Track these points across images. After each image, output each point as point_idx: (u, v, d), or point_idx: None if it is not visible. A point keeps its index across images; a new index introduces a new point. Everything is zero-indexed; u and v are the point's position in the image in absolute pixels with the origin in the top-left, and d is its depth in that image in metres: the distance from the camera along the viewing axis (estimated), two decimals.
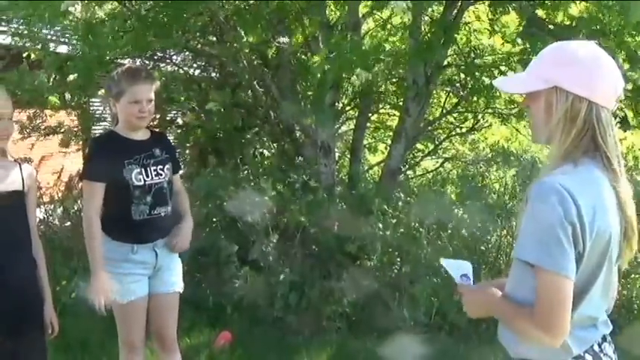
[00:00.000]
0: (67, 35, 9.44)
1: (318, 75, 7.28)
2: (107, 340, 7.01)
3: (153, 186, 4.54)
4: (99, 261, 4.45)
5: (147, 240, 4.62)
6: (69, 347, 6.63)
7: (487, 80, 8.74)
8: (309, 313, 7.36)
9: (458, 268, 2.92)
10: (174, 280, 4.78)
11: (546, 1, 8.07)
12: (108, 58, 7.78)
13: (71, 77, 8.93)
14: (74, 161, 11.05)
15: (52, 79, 9.13)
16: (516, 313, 2.53)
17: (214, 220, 7.93)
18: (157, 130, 5.13)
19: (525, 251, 2.43)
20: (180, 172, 5.03)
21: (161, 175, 4.60)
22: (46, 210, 9.99)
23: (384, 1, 8.23)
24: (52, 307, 4.32)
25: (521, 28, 8.19)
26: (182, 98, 9.93)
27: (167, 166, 4.64)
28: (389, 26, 9.89)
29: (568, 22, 8.13)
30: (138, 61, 9.77)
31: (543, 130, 2.56)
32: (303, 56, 8.68)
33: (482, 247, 8.34)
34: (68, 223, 10.02)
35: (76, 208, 9.94)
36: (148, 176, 4.53)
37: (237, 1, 8.86)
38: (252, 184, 7.75)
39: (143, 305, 4.73)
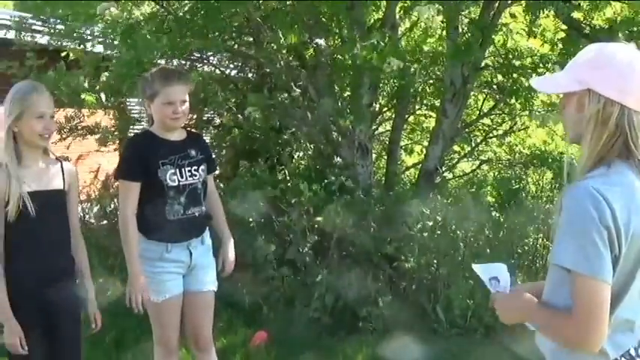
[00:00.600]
0: (104, 35, 9.47)
1: (348, 60, 7.23)
2: (142, 338, 7.05)
3: (187, 186, 4.59)
4: (135, 259, 4.52)
5: (181, 239, 4.66)
6: (104, 345, 6.70)
7: (525, 82, 8.68)
8: (345, 314, 7.35)
9: (488, 271, 2.89)
10: (208, 279, 4.80)
11: (581, 3, 8.01)
12: (146, 59, 7.78)
13: (104, 77, 8.98)
14: (111, 160, 11.12)
15: (89, 79, 9.16)
16: (553, 320, 2.51)
17: (250, 220, 7.93)
18: (194, 130, 5.10)
19: (562, 256, 2.41)
20: (215, 173, 5.07)
21: (195, 175, 4.64)
22: (82, 208, 10.05)
23: (417, 1, 8.20)
24: (94, 303, 4.37)
25: (559, 31, 8.15)
26: (219, 99, 9.94)
27: (202, 167, 4.69)
28: (425, 27, 9.87)
29: (605, 25, 8.07)
30: (175, 62, 9.81)
31: (575, 131, 2.55)
32: (339, 57, 8.64)
33: (519, 250, 8.28)
34: (104, 222, 10.09)
35: (112, 207, 10.02)
36: (182, 177, 4.58)
37: (273, 2, 8.88)
38: (289, 184, 7.74)
39: (177, 304, 4.76)
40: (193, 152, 4.67)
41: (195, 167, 4.64)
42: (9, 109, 3.86)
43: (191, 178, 4.60)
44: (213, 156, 5.31)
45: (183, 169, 4.58)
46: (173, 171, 4.55)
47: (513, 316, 2.76)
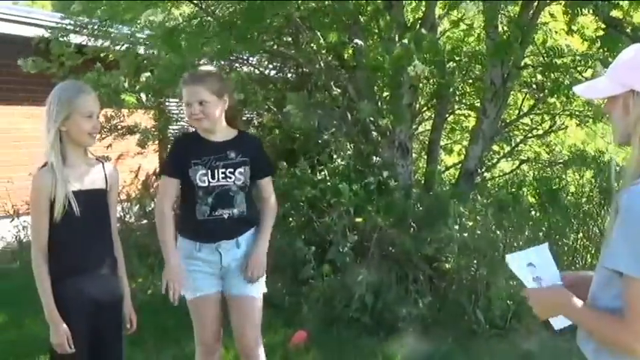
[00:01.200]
0: (144, 37, 9.54)
1: (373, 61, 7.20)
2: (182, 337, 7.10)
3: (216, 188, 4.59)
4: (171, 250, 4.59)
5: (208, 240, 4.68)
6: (145, 343, 6.75)
7: (566, 80, 8.62)
8: (385, 315, 7.35)
9: (524, 258, 2.86)
10: (246, 284, 4.72)
11: (620, 2, 7.94)
12: (189, 62, 7.83)
13: (144, 77, 9.03)
14: (151, 160, 11.18)
15: (128, 80, 9.23)
16: (601, 321, 2.48)
17: (291, 220, 7.95)
18: (249, 132, 5.02)
19: (616, 260, 2.39)
20: (268, 177, 4.91)
21: (229, 178, 4.61)
22: (122, 208, 10.12)
23: (459, 1, 8.20)
24: (130, 303, 4.41)
25: (599, 30, 8.09)
26: (259, 98, 9.96)
27: (239, 170, 4.63)
28: (465, 27, 9.85)
29: None
30: (213, 63, 9.86)
31: (623, 134, 2.53)
32: (378, 57, 8.63)
33: (559, 251, 8.23)
34: (144, 221, 10.15)
35: (152, 207, 10.06)
36: (213, 178, 4.58)
37: (312, 3, 8.89)
38: (329, 184, 7.74)
39: (211, 303, 4.77)
40: (233, 154, 4.63)
41: (231, 169, 4.61)
42: (57, 109, 3.88)
43: (224, 180, 4.59)
44: (267, 159, 5.08)
45: (216, 171, 4.57)
46: (204, 172, 4.57)
47: (547, 311, 2.75)
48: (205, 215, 4.60)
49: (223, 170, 4.59)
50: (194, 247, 4.66)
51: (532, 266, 2.81)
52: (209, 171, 4.57)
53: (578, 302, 2.56)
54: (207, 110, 4.55)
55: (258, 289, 4.78)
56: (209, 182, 4.56)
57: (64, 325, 3.86)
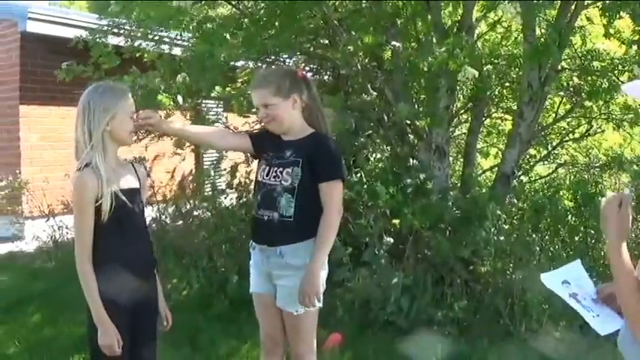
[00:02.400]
0: (181, 37, 9.58)
1: (423, 67, 7.18)
2: (217, 337, 7.13)
3: (265, 186, 4.47)
4: None
5: (255, 238, 4.62)
6: (178, 344, 6.76)
7: (604, 84, 8.57)
8: (420, 317, 7.34)
9: (559, 276, 2.86)
10: (287, 298, 4.45)
11: None
12: (222, 60, 7.84)
13: (180, 78, 9.06)
14: (187, 161, 11.23)
15: (165, 81, 9.26)
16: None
17: None
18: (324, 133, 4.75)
19: None
20: (328, 182, 4.43)
21: (278, 178, 4.41)
22: (158, 208, 10.17)
23: (497, 1, 8.16)
24: (164, 300, 4.43)
25: (636, 33, 8.04)
26: None
27: (288, 170, 4.40)
28: (502, 29, 9.83)
29: None
30: (250, 64, 9.89)
31: None
32: (415, 59, 8.62)
33: (595, 255, 8.19)
34: (180, 222, 10.18)
35: (188, 207, 10.10)
36: (267, 175, 4.48)
37: (349, 3, 8.90)
38: (365, 186, 7.73)
39: (261, 303, 4.68)
40: (288, 153, 4.45)
41: (281, 169, 4.41)
42: (102, 109, 3.91)
43: (273, 180, 4.42)
44: (331, 161, 4.54)
45: (272, 168, 4.46)
46: (264, 167, 4.52)
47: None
48: (254, 212, 4.56)
49: (276, 169, 4.44)
50: (251, 242, 4.66)
51: (567, 283, 2.82)
52: (267, 167, 4.49)
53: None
54: (272, 112, 4.46)
55: (295, 309, 4.44)
56: (263, 179, 4.49)
57: (114, 327, 3.86)
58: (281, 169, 4.43)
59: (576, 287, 2.81)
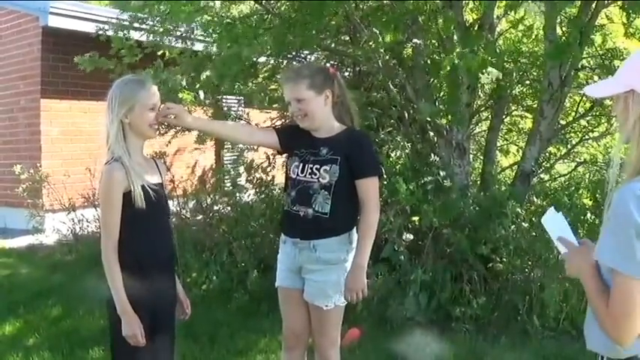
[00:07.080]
0: (203, 34, 9.61)
1: (448, 67, 7.16)
2: (236, 331, 7.16)
3: (300, 183, 4.47)
4: None
5: (287, 233, 4.64)
6: (198, 338, 6.82)
7: None
8: (439, 314, 7.37)
9: (558, 226, 2.92)
10: (317, 293, 4.50)
11: None
12: (246, 54, 7.86)
13: (204, 75, 9.08)
14: (208, 156, 11.26)
15: (187, 77, 9.29)
16: (598, 299, 2.52)
17: None
18: (358, 129, 4.73)
19: (603, 254, 2.47)
20: (366, 179, 4.44)
21: (315, 174, 4.42)
22: (179, 203, 10.20)
23: (521, 0, 8.17)
24: (182, 289, 4.47)
25: None
26: None
27: (325, 167, 4.40)
28: (523, 27, 9.82)
29: None
30: (272, 60, 9.91)
31: (625, 133, 2.59)
32: (437, 57, 8.63)
33: None
34: (200, 217, 10.21)
35: (208, 202, 10.12)
36: (302, 172, 4.48)
37: (371, 2, 8.91)
38: (386, 183, 7.74)
39: (288, 298, 4.71)
40: (325, 151, 4.44)
41: (318, 166, 4.42)
42: (120, 101, 3.93)
43: (309, 177, 4.43)
44: (369, 158, 4.56)
45: (306, 165, 4.46)
46: (297, 164, 4.52)
47: (574, 272, 2.75)
48: (287, 207, 4.57)
49: (312, 166, 4.45)
50: (282, 236, 4.69)
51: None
52: (301, 164, 4.49)
53: (593, 274, 2.60)
54: (305, 107, 4.44)
55: (332, 299, 4.48)
56: (297, 175, 4.49)
57: (137, 318, 3.88)
58: (317, 166, 4.44)
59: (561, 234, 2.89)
